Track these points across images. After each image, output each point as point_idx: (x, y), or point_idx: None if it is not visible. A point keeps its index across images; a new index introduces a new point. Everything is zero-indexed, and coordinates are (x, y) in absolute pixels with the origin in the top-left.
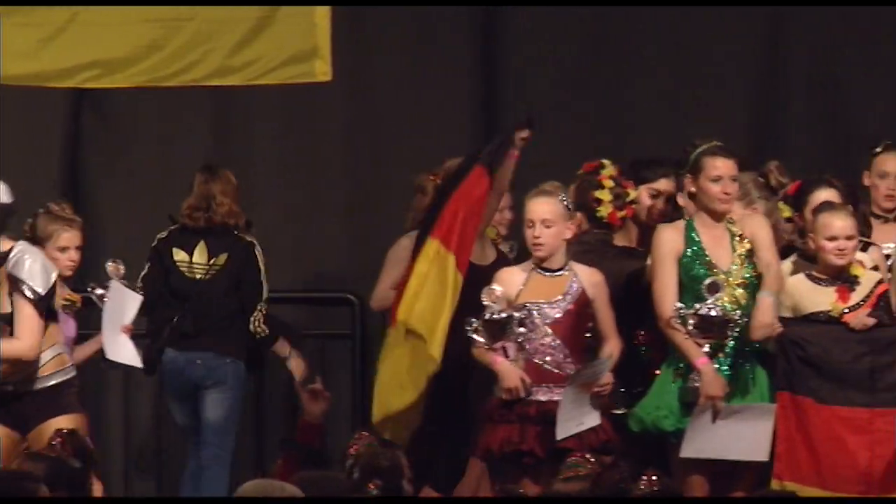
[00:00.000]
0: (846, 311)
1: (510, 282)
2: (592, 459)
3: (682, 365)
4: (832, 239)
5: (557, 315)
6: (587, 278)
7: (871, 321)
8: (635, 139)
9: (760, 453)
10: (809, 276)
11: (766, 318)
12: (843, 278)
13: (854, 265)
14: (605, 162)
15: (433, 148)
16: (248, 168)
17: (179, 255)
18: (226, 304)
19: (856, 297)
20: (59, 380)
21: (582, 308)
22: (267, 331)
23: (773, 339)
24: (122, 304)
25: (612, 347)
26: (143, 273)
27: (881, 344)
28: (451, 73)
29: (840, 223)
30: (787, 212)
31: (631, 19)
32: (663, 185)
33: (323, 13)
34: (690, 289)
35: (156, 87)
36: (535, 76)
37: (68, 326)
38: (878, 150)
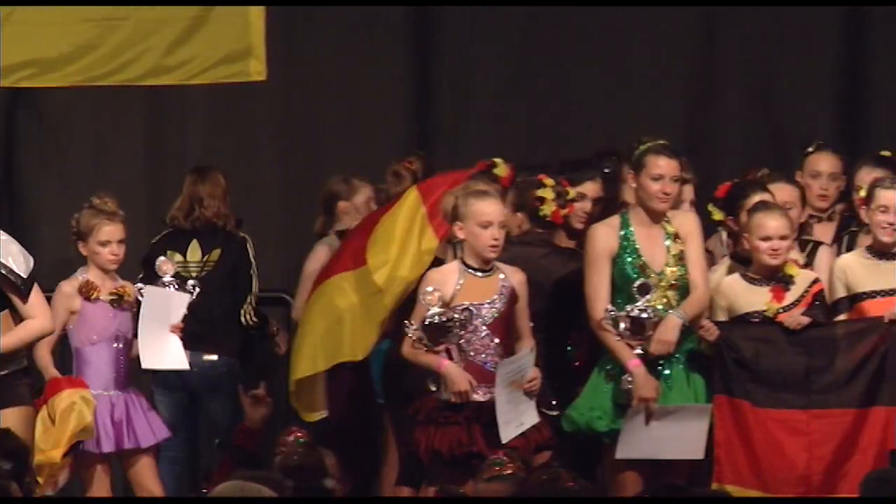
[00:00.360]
0: (781, 310)
1: (445, 283)
2: (511, 459)
3: (613, 366)
4: (766, 239)
5: (494, 315)
6: (515, 277)
7: (806, 320)
8: (569, 138)
9: (696, 452)
10: (744, 276)
11: (667, 336)
12: (777, 278)
13: (789, 265)
14: (497, 161)
15: (367, 148)
16: (182, 167)
17: (174, 256)
18: (223, 300)
19: (790, 296)
20: (9, 370)
21: (513, 307)
22: (257, 321)
23: (707, 342)
24: (167, 305)
25: (527, 347)
26: (139, 278)
27: (817, 345)
28: (385, 72)
29: (774, 223)
30: (717, 215)
31: (565, 18)
32: (589, 188)
33: (257, 13)
34: (623, 289)
35: (91, 86)
36: (469, 76)
37: (121, 320)
38: (811, 149)
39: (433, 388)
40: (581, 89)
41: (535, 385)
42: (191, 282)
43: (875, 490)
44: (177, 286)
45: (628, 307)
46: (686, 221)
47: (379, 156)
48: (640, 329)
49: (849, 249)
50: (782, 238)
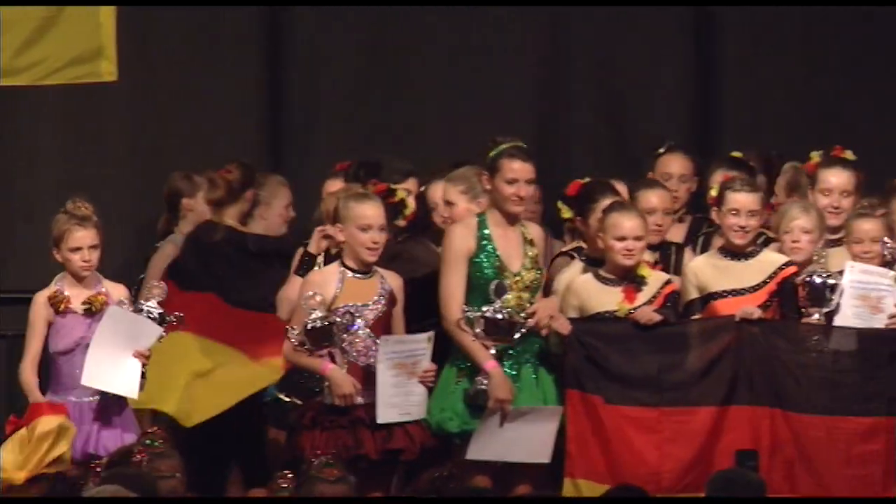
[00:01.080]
0: (632, 311)
1: (326, 285)
2: (332, 461)
3: (465, 366)
4: (621, 239)
5: (375, 317)
6: (393, 280)
7: (657, 316)
8: (418, 142)
9: (543, 455)
10: (597, 276)
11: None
12: (630, 278)
13: (641, 265)
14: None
15: (218, 148)
16: (32, 167)
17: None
18: None
19: (643, 296)
20: None
21: (391, 308)
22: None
23: (557, 338)
24: (134, 330)
25: (423, 336)
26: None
27: (669, 343)
28: (237, 73)
29: (629, 223)
30: (566, 212)
31: (415, 19)
32: (409, 185)
33: (108, 13)
34: (480, 289)
35: None
36: (319, 76)
37: (95, 328)
38: (661, 150)
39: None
40: (431, 90)
41: (429, 377)
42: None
43: (720, 490)
44: (154, 315)
45: (485, 308)
46: (536, 232)
47: (228, 157)
48: (495, 330)
49: (703, 251)
50: (637, 238)
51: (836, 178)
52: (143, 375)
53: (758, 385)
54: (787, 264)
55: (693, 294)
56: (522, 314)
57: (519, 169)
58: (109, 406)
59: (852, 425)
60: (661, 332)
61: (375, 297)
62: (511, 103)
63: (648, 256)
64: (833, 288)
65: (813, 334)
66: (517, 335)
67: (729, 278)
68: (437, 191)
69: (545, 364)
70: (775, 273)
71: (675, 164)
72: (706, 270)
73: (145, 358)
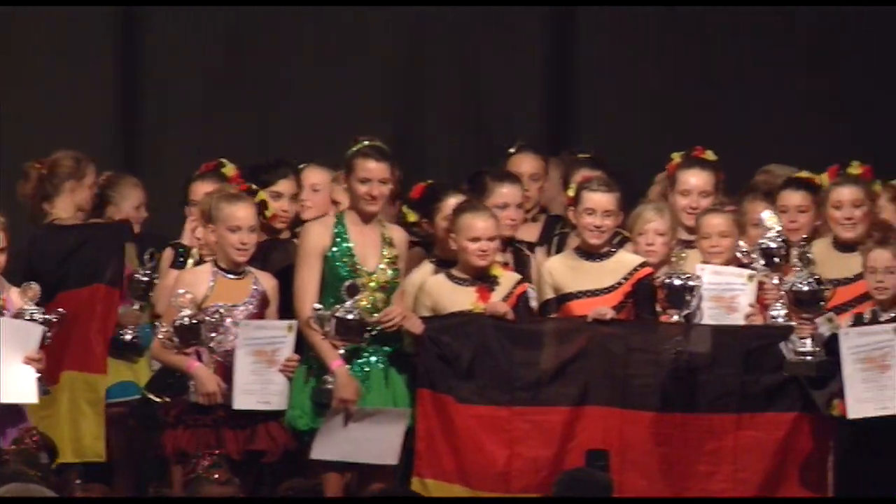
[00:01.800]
0: (485, 311)
1: (197, 284)
2: (219, 462)
3: (316, 364)
4: (475, 240)
5: (246, 317)
6: (266, 281)
7: (506, 307)
8: (275, 141)
9: (390, 457)
10: (449, 276)
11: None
12: (482, 278)
13: (494, 265)
14: (224, 161)
15: (76, 147)
16: None
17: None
18: None
19: (496, 296)
20: None
21: (263, 310)
22: None
23: (411, 337)
24: (21, 335)
25: (285, 324)
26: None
27: (522, 343)
28: (90, 72)
29: (482, 224)
30: (411, 216)
31: (273, 21)
32: (283, 186)
33: None
34: (334, 288)
35: None
36: (176, 77)
37: None
38: (512, 150)
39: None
40: (289, 90)
41: (289, 367)
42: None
43: (566, 489)
44: (32, 315)
45: (336, 307)
46: (399, 236)
47: (88, 154)
48: (345, 330)
49: (559, 250)
50: (490, 239)
51: (695, 179)
52: (40, 380)
53: (610, 385)
54: (642, 265)
55: (549, 294)
56: (375, 315)
57: (372, 168)
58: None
59: (705, 423)
60: (515, 332)
61: (247, 298)
62: (368, 103)
63: (500, 257)
64: (692, 290)
65: (670, 334)
66: (367, 335)
67: (584, 279)
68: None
69: (397, 364)
70: (631, 274)
71: (525, 164)
72: (561, 270)
73: (36, 361)
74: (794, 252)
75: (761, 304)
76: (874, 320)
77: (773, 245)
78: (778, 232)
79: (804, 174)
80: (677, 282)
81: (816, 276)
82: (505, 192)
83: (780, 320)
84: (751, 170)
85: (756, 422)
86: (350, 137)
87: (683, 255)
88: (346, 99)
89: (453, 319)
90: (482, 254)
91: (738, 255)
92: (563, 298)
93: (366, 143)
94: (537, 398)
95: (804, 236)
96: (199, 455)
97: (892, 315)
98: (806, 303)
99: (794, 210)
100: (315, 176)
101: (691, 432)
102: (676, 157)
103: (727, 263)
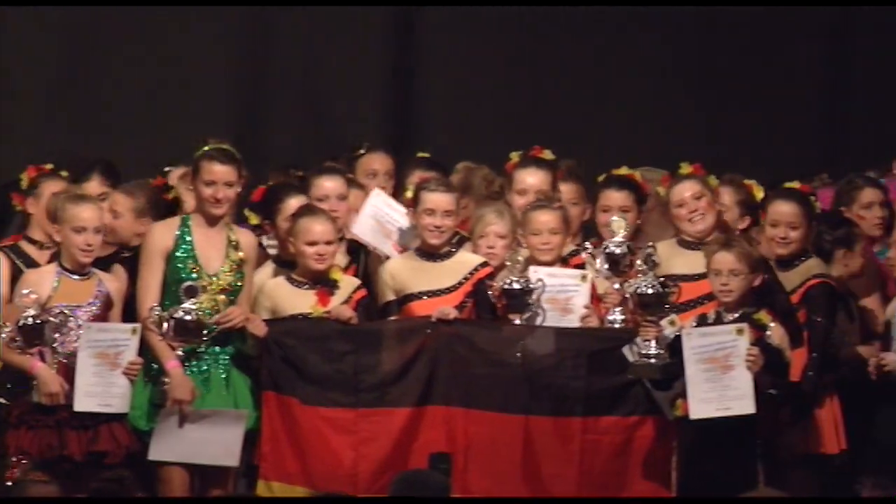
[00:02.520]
0: (327, 314)
1: (41, 284)
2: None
3: (156, 365)
4: (312, 244)
5: (89, 318)
6: (111, 283)
7: (351, 312)
8: (119, 141)
9: (230, 458)
10: (289, 279)
11: None
12: (322, 282)
13: (334, 269)
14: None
15: None
16: None
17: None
18: None
19: (336, 300)
20: None
21: (108, 311)
22: None
23: (254, 339)
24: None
25: (128, 326)
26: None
27: (365, 344)
28: None
29: (320, 228)
30: (254, 219)
31: (115, 21)
32: (92, 186)
33: None
34: (174, 289)
35: None
36: (18, 74)
37: None
38: (363, 151)
39: None
40: (131, 90)
41: (132, 370)
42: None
43: (403, 490)
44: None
45: (174, 308)
46: (246, 239)
47: None
48: (183, 331)
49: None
50: (328, 243)
51: (532, 178)
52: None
53: (454, 385)
54: (482, 265)
55: (390, 296)
56: (216, 316)
57: (217, 171)
58: None
59: (549, 425)
60: (358, 333)
61: (91, 299)
62: (211, 103)
63: (341, 259)
64: (532, 292)
65: (514, 336)
66: (206, 337)
67: (426, 279)
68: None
69: (239, 366)
70: (471, 274)
71: (377, 163)
72: (403, 271)
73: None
74: (640, 254)
75: (602, 308)
76: (718, 321)
77: (617, 250)
78: (623, 237)
79: (624, 171)
80: (517, 286)
81: (661, 279)
82: (326, 186)
83: (618, 325)
84: (598, 170)
85: (601, 425)
86: (204, 138)
87: (519, 258)
88: (189, 99)
89: (298, 323)
90: (319, 258)
91: (583, 255)
92: (406, 299)
93: (212, 145)
94: (382, 400)
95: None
96: (10, 462)
97: (737, 316)
98: (650, 305)
99: (617, 210)
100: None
101: (536, 434)
102: (515, 156)
103: (556, 261)
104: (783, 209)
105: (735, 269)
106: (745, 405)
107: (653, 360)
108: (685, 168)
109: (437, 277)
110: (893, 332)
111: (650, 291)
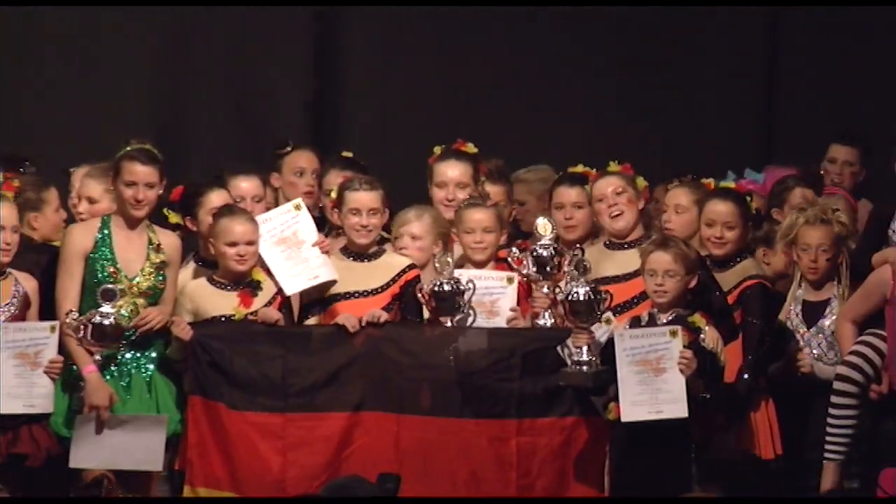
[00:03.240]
0: (250, 315)
1: None
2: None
3: (75, 369)
4: (232, 244)
5: (6, 319)
6: (27, 283)
7: (277, 314)
8: (39, 140)
9: (153, 464)
10: (211, 280)
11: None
12: (245, 283)
13: (256, 270)
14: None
15: None
16: None
17: None
18: None
19: (259, 301)
20: None
21: (25, 311)
22: None
23: (178, 343)
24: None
25: (46, 325)
26: None
27: (293, 347)
28: None
29: (240, 228)
30: (174, 217)
31: (33, 20)
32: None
33: None
34: (93, 292)
35: None
36: None
37: None
38: (288, 149)
39: None
40: (51, 89)
41: (54, 369)
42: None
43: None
44: None
45: (91, 312)
46: (168, 240)
47: None
48: (101, 336)
49: None
50: (249, 243)
51: (452, 171)
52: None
53: (385, 390)
54: (410, 267)
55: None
56: (135, 320)
57: (138, 172)
58: None
59: (484, 428)
60: (286, 336)
61: (8, 300)
62: (130, 101)
63: None
64: (462, 294)
65: (444, 338)
66: (125, 341)
67: (352, 279)
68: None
69: (162, 370)
70: (399, 276)
71: (304, 160)
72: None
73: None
74: (569, 258)
75: (530, 311)
76: (651, 323)
77: (544, 253)
78: (551, 239)
79: (580, 169)
80: (447, 287)
81: (592, 285)
82: (242, 187)
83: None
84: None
85: (536, 427)
86: (126, 139)
87: (447, 259)
88: (109, 99)
89: (224, 325)
90: (240, 258)
91: (509, 259)
92: (331, 299)
93: (133, 145)
94: (311, 404)
95: (578, 243)
96: None
97: (670, 318)
98: (582, 312)
99: (571, 206)
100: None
101: (471, 438)
102: (437, 150)
103: (490, 260)
104: (719, 209)
105: (671, 270)
106: (677, 409)
107: (584, 368)
108: (613, 166)
109: (364, 278)
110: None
111: (582, 298)
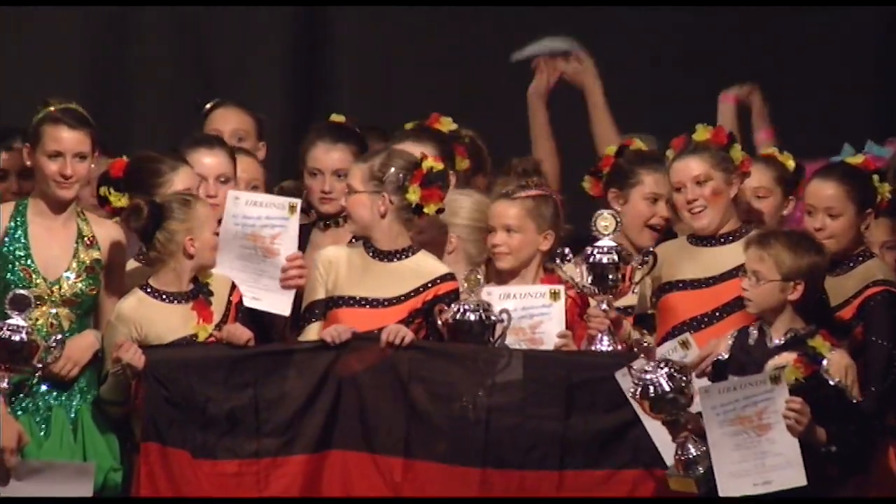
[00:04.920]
0: (218, 329)
1: None
2: None
3: None
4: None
5: None
6: None
7: (248, 333)
8: None
9: None
10: (150, 291)
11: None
12: (194, 290)
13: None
14: None
15: None
16: None
17: None
18: None
19: (218, 310)
20: None
21: None
22: None
23: (129, 371)
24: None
25: None
26: None
27: (269, 372)
28: None
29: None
30: (118, 199)
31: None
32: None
33: None
34: (2, 296)
35: None
36: None
37: None
38: (208, 106)
39: None
40: None
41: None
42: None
43: None
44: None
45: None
46: (104, 230)
47: None
48: (8, 355)
49: None
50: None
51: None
52: None
53: (389, 428)
54: (444, 278)
55: (319, 294)
56: (56, 338)
57: (66, 139)
58: None
59: (515, 481)
60: (261, 358)
61: None
62: (61, 57)
63: None
64: (492, 326)
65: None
66: (41, 364)
67: (364, 282)
68: None
69: (95, 405)
70: (426, 286)
71: (228, 119)
72: (342, 264)
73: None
74: (637, 261)
75: (581, 334)
76: (762, 342)
77: (605, 259)
78: (615, 239)
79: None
80: (472, 316)
81: (682, 339)
82: (205, 163)
83: None
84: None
85: (583, 481)
86: (44, 99)
87: (479, 277)
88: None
89: (180, 350)
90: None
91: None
92: (333, 303)
93: (57, 105)
94: (293, 444)
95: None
96: None
97: (785, 338)
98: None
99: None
100: None
101: (496, 493)
102: (409, 126)
103: (517, 270)
104: (821, 192)
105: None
106: (792, 476)
107: (699, 471)
108: (701, 130)
109: (381, 282)
110: None
111: (676, 376)
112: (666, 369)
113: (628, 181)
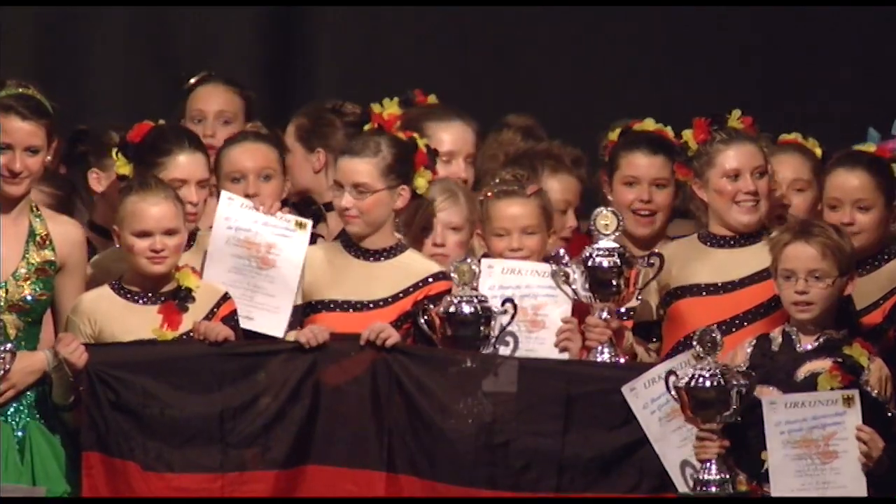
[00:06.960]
0: (186, 336)
1: None
2: None
3: None
4: (144, 235)
5: None
6: None
7: (227, 331)
8: None
9: None
10: (118, 290)
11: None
12: (168, 292)
13: (184, 272)
14: None
15: None
16: None
17: None
18: None
19: (190, 319)
20: None
21: None
22: None
23: (61, 381)
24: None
25: None
26: None
27: (238, 378)
28: None
29: (156, 211)
30: (123, 166)
31: None
32: None
33: None
34: None
35: None
36: None
37: None
38: (192, 81)
39: None
40: None
41: None
42: None
43: None
44: None
45: None
46: (65, 235)
47: None
48: None
49: None
50: (167, 233)
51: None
52: None
53: (374, 440)
54: (437, 276)
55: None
56: (6, 347)
57: (15, 130)
58: None
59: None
60: (229, 362)
61: None
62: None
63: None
64: (489, 320)
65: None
66: None
67: (348, 282)
68: None
69: (43, 420)
70: (417, 286)
71: (202, 99)
72: (319, 266)
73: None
74: (640, 267)
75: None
76: (788, 347)
77: (605, 263)
78: (616, 240)
79: (650, 126)
80: (467, 308)
81: (722, 367)
82: (181, 162)
83: None
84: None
85: None
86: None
87: (472, 267)
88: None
89: (133, 348)
90: (154, 255)
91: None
92: (312, 307)
93: (8, 90)
94: (263, 458)
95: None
96: None
97: (817, 343)
98: (711, 404)
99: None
100: None
101: None
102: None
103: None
104: (848, 183)
105: (818, 270)
106: None
107: (713, 489)
108: (735, 118)
109: (367, 283)
110: None
111: (708, 384)
112: (720, 368)
113: (612, 167)
